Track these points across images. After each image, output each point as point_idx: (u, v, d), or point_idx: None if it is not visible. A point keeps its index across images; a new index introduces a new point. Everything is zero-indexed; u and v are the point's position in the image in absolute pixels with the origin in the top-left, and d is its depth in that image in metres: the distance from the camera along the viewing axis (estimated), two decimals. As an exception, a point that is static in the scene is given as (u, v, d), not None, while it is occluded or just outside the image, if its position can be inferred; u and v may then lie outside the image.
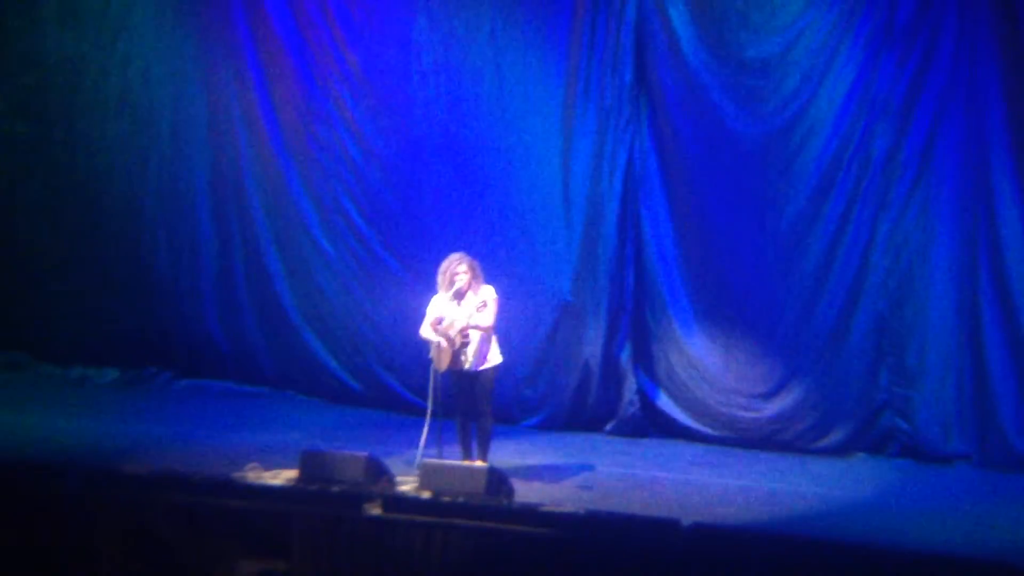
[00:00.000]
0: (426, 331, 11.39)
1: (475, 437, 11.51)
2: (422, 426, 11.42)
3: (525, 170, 13.72)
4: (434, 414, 11.48)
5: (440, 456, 11.34)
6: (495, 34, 13.73)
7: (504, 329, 11.62)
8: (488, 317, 11.28)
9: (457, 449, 11.54)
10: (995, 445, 12.47)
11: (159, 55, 14.83)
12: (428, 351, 11.42)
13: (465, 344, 11.32)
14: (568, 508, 9.78)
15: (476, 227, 13.66)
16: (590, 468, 12.29)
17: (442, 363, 11.33)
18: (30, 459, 10.62)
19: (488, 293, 11.35)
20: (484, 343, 11.34)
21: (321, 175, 14.33)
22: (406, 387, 13.60)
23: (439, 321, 11.33)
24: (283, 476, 10.84)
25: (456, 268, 11.35)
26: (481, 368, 11.36)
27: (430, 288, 11.66)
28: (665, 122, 13.33)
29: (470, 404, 11.41)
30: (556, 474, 12.02)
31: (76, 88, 15.04)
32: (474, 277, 11.37)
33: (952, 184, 12.59)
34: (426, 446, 11.44)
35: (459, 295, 11.34)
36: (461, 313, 11.31)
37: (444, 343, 11.27)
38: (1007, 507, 11.51)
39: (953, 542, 10.34)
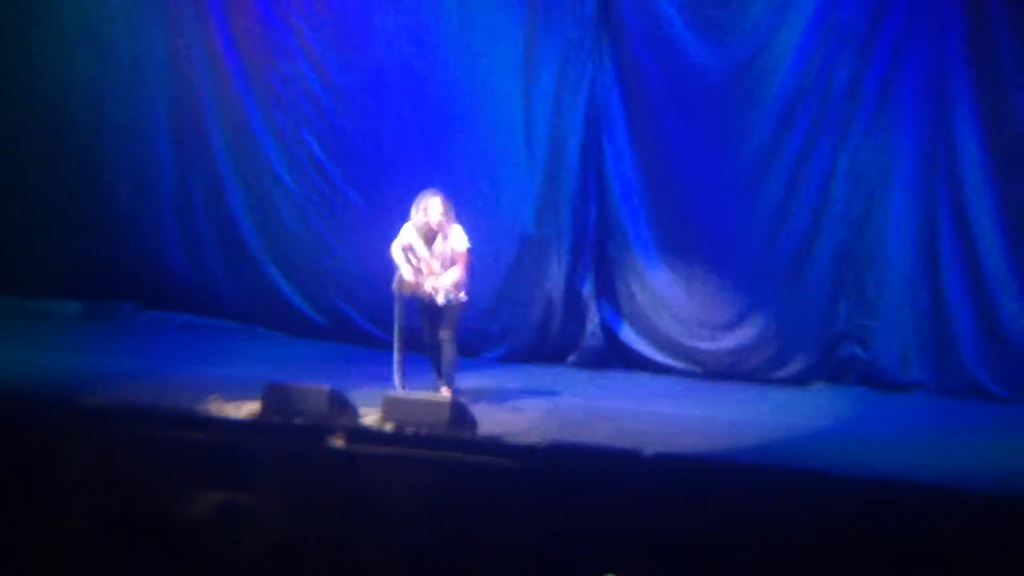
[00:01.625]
0: (397, 253, 11.46)
1: (440, 366, 11.59)
2: (386, 359, 11.46)
3: (487, 103, 13.68)
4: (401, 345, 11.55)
5: (403, 387, 11.38)
6: (457, -36, 13.67)
7: (468, 262, 11.65)
8: (462, 270, 11.40)
9: (422, 380, 11.59)
10: (952, 372, 12.59)
11: (116, -16, 14.71)
12: (392, 280, 11.45)
13: (436, 290, 11.40)
14: (531, 439, 9.84)
15: (438, 160, 13.62)
16: (553, 399, 12.34)
17: (409, 288, 11.40)
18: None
19: (460, 241, 11.43)
20: (455, 285, 11.42)
21: (282, 108, 14.24)
22: (369, 320, 13.60)
23: (409, 248, 11.38)
24: (246, 409, 10.85)
25: (430, 202, 11.44)
26: (449, 302, 11.42)
27: (392, 222, 11.68)
28: (627, 54, 13.29)
29: (437, 330, 11.48)
30: (519, 406, 12.07)
31: (32, 20, 14.86)
32: (446, 218, 11.43)
33: (912, 114, 12.62)
34: (388, 378, 11.50)
35: (429, 230, 11.39)
36: (430, 251, 11.36)
37: (409, 274, 11.33)
38: (964, 433, 11.65)
39: (911, 468, 10.39)
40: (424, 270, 11.36)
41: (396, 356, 11.51)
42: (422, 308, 11.56)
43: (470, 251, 11.53)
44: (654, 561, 7.70)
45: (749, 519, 7.74)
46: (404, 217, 11.60)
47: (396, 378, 11.58)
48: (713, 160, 13.10)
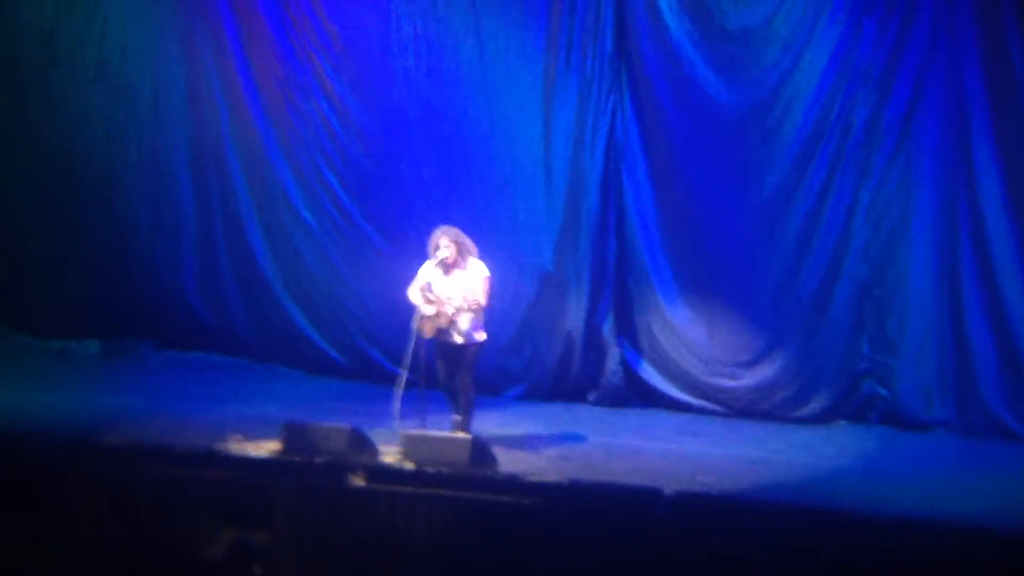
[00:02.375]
0: (414, 294, 11.45)
1: (458, 409, 11.55)
2: (406, 398, 11.45)
3: (506, 140, 13.70)
4: (415, 383, 11.52)
5: (423, 426, 11.36)
6: (475, 3, 13.68)
7: (490, 299, 11.64)
8: (481, 298, 11.32)
9: (440, 420, 11.57)
10: (975, 412, 12.52)
11: (137, 24, 14.72)
12: (411, 318, 11.45)
13: (454, 322, 11.37)
14: (551, 477, 9.82)
15: (457, 198, 13.64)
16: (573, 438, 12.32)
17: (426, 330, 11.38)
18: (9, 431, 10.59)
19: (479, 271, 11.43)
20: (473, 320, 11.39)
21: (302, 146, 14.28)
22: (388, 358, 13.56)
23: (428, 288, 11.38)
24: (266, 448, 10.85)
25: (438, 240, 11.41)
26: (468, 343, 11.40)
27: (411, 259, 11.68)
28: (647, 92, 13.30)
29: (454, 375, 11.45)
30: (539, 444, 12.05)
31: (53, 59, 14.93)
32: (461, 251, 11.44)
33: (932, 152, 12.61)
34: (409, 416, 11.48)
35: (445, 267, 11.40)
36: (449, 286, 11.35)
37: (428, 311, 11.32)
38: (986, 473, 11.59)
39: (933, 508, 10.36)
40: (444, 307, 11.33)
41: (398, 392, 11.49)
42: (440, 349, 11.53)
43: (489, 285, 11.46)
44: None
45: (771, 558, 7.72)
46: (423, 254, 11.60)
47: (396, 412, 11.53)
48: (733, 197, 13.09)
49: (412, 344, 11.43)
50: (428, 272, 11.48)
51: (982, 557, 7.62)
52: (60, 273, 14.85)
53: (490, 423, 12.18)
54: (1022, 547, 7.87)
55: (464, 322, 11.41)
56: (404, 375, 11.48)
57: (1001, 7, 12.32)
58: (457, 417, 11.61)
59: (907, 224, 12.72)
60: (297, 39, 14.22)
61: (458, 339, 11.42)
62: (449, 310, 11.32)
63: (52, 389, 13.24)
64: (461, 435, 11.17)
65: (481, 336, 11.52)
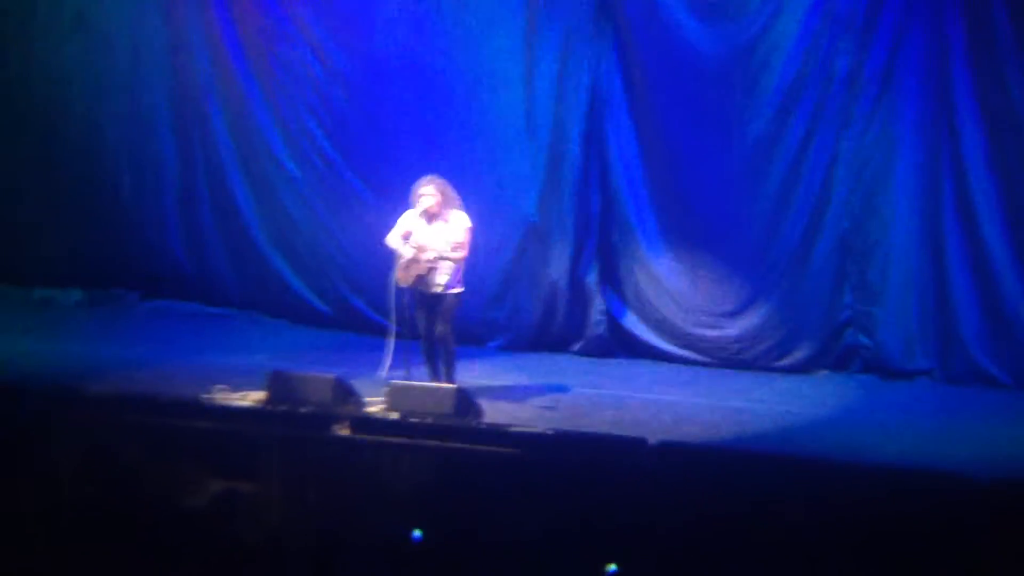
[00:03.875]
0: (394, 240, 11.40)
1: (440, 359, 11.54)
2: (392, 347, 11.47)
3: (489, 90, 13.66)
4: (400, 334, 11.52)
5: (408, 377, 11.37)
6: (458, -49, 13.65)
7: (470, 250, 11.62)
8: (461, 248, 11.29)
9: (424, 369, 11.57)
10: (957, 359, 12.59)
11: (114, -27, 14.69)
12: (392, 267, 11.43)
13: (433, 269, 11.33)
14: (536, 428, 9.83)
15: (441, 148, 13.61)
16: (557, 388, 12.34)
17: (406, 278, 11.35)
18: (-7, 380, 10.59)
19: (461, 222, 11.37)
20: (452, 271, 11.35)
21: (285, 96, 14.23)
22: (373, 308, 13.56)
23: (407, 236, 11.34)
24: (250, 397, 10.87)
25: (422, 189, 11.36)
26: (446, 294, 11.38)
27: (395, 209, 11.65)
28: (629, 41, 13.27)
29: (433, 325, 11.43)
30: (523, 394, 12.07)
31: (31, 11, 14.86)
32: (444, 201, 11.38)
33: (914, 101, 12.61)
34: (394, 366, 11.49)
35: (428, 216, 11.35)
36: (431, 235, 11.31)
37: (408, 257, 11.28)
38: (968, 421, 11.66)
39: (916, 456, 10.44)
40: (422, 257, 11.30)
41: (389, 345, 11.49)
42: (419, 300, 11.50)
43: (471, 237, 11.43)
44: (658, 549, 7.71)
45: (754, 507, 7.74)
46: (406, 203, 11.56)
47: (385, 365, 11.54)
48: (715, 147, 13.09)
49: (392, 294, 11.41)
50: (409, 220, 11.45)
51: (964, 504, 7.65)
52: (43, 223, 14.82)
53: (474, 373, 12.19)
54: (1004, 495, 7.90)
55: (443, 272, 11.37)
56: (392, 326, 11.46)
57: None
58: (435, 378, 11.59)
59: (889, 173, 12.73)
60: (279, -13, 14.16)
61: (436, 288, 11.38)
62: (428, 259, 11.29)
63: (35, 338, 13.23)
64: (446, 385, 11.17)
65: (459, 288, 11.47)
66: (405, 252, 11.35)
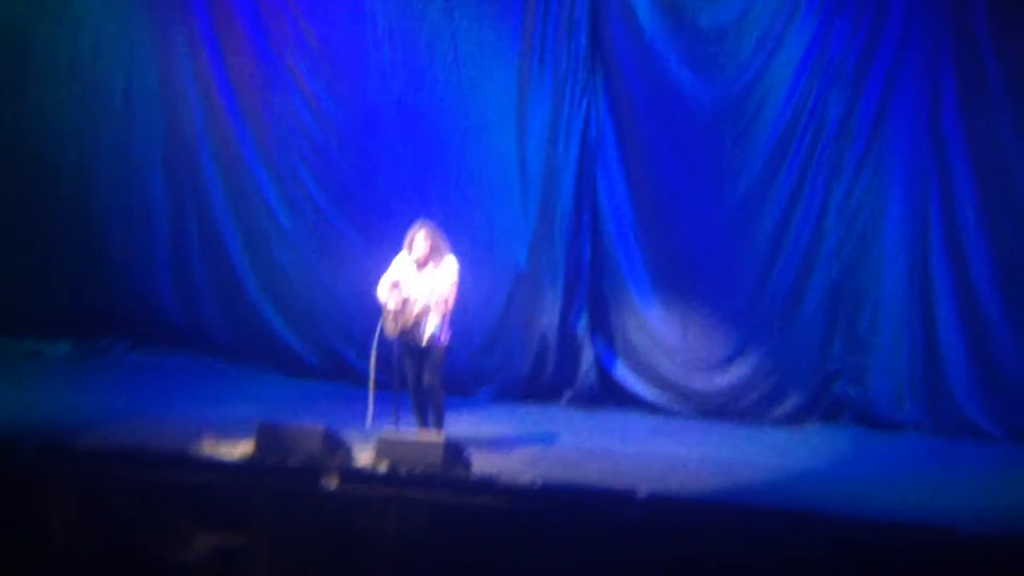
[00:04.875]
0: (383, 291, 11.40)
1: (429, 409, 11.52)
2: (379, 399, 11.43)
3: (481, 139, 13.70)
4: (388, 385, 11.50)
5: (396, 427, 11.35)
6: (450, 1, 13.67)
7: (460, 299, 11.61)
8: (448, 299, 11.28)
9: (413, 420, 11.55)
10: (946, 412, 12.57)
11: (110, 22, 14.67)
12: (381, 317, 11.43)
13: (420, 321, 11.32)
14: (525, 479, 9.80)
15: (432, 196, 13.62)
16: (546, 438, 12.32)
17: (394, 329, 11.34)
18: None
19: (450, 272, 11.35)
20: (439, 322, 11.34)
21: (276, 144, 14.25)
22: (363, 359, 13.45)
23: (396, 284, 11.34)
24: (239, 450, 10.83)
25: (415, 235, 11.38)
26: (433, 345, 11.36)
27: (387, 258, 11.66)
28: (621, 89, 13.32)
29: (421, 376, 11.42)
30: (512, 445, 12.05)
31: (25, 56, 14.88)
32: (435, 248, 11.38)
33: (904, 151, 12.65)
34: (383, 418, 11.47)
35: (418, 263, 11.36)
36: (419, 284, 11.31)
37: (393, 306, 11.28)
38: (958, 473, 11.64)
39: (905, 509, 10.41)
40: (410, 305, 11.28)
41: (371, 393, 11.48)
42: (406, 349, 11.49)
43: (456, 288, 11.42)
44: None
45: (743, 560, 7.72)
46: (398, 252, 11.58)
47: (369, 416, 11.52)
48: (707, 196, 13.12)
49: (376, 342, 11.40)
50: (400, 266, 11.46)
51: (954, 558, 7.63)
52: (31, 272, 14.78)
53: (463, 423, 12.17)
54: (993, 547, 7.89)
55: (429, 322, 11.36)
56: (372, 376, 11.44)
57: (972, 7, 12.36)
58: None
59: (879, 223, 12.75)
60: (272, 37, 14.19)
61: (423, 340, 11.38)
62: (415, 308, 11.29)
63: (23, 389, 13.18)
64: (435, 437, 11.15)
65: (446, 339, 11.45)
66: (392, 304, 11.34)
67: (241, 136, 14.33)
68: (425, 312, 11.30)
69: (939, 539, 7.97)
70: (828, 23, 12.66)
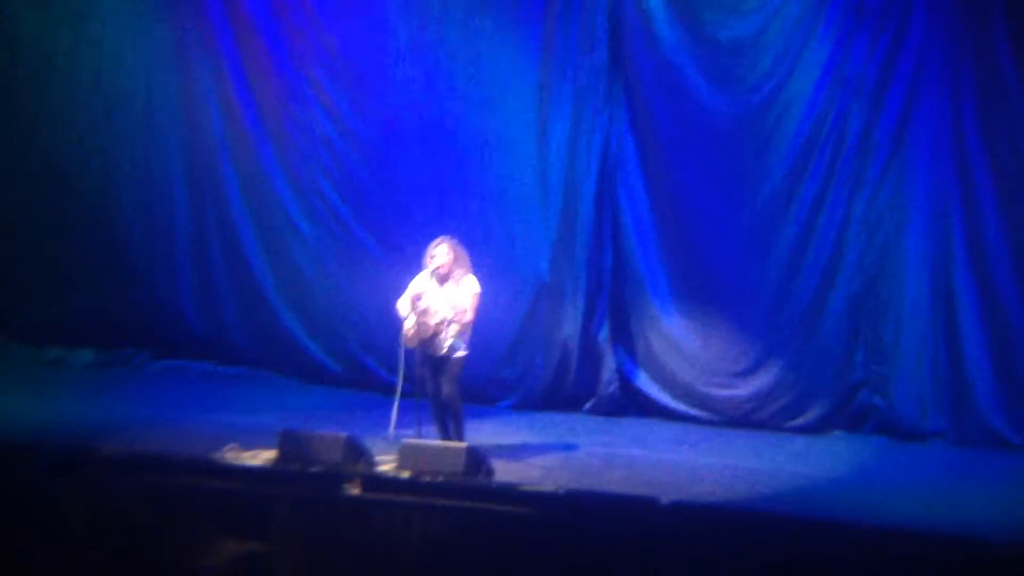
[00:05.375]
0: (403, 305, 11.42)
1: (449, 419, 11.54)
2: (402, 407, 11.44)
3: (502, 150, 13.72)
4: (411, 393, 11.51)
5: (419, 435, 11.36)
6: (470, 14, 13.71)
7: (482, 309, 11.60)
8: (469, 312, 11.29)
9: (434, 428, 11.56)
10: (969, 422, 12.54)
11: (131, 36, 14.74)
12: (401, 328, 11.44)
13: (439, 332, 11.34)
14: (547, 487, 9.81)
15: (453, 207, 13.65)
16: (569, 447, 12.31)
17: (413, 340, 11.36)
18: (3, 440, 10.55)
19: (470, 286, 11.38)
20: (458, 333, 11.36)
21: (298, 155, 14.29)
22: (384, 367, 13.57)
23: (417, 298, 11.36)
24: (262, 457, 10.84)
25: (435, 250, 11.40)
26: (451, 356, 11.37)
27: (408, 268, 11.67)
28: (641, 102, 13.34)
29: (440, 387, 11.44)
30: (535, 453, 12.04)
31: (47, 70, 14.94)
32: (456, 263, 11.40)
33: (925, 163, 12.65)
34: (405, 426, 11.48)
35: (439, 278, 11.37)
36: (440, 298, 11.33)
37: (410, 324, 11.30)
38: (982, 483, 11.59)
39: (929, 519, 10.38)
40: (428, 320, 11.30)
41: (395, 403, 11.49)
42: (424, 359, 11.50)
43: (478, 302, 11.41)
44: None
45: (766, 568, 7.71)
46: (419, 263, 11.59)
47: (392, 423, 11.54)
48: (728, 207, 13.12)
49: (401, 355, 11.42)
50: (421, 282, 11.48)
51: (978, 568, 7.61)
52: (55, 282, 14.84)
53: (485, 433, 12.18)
54: (1017, 557, 7.86)
55: (449, 335, 11.37)
56: (400, 385, 11.46)
57: (991, 20, 12.37)
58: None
59: (901, 235, 12.75)
60: (293, 48, 14.23)
61: (442, 351, 11.39)
62: (435, 321, 11.30)
63: (47, 398, 13.22)
64: (457, 444, 11.15)
65: (464, 350, 11.44)
66: (411, 318, 11.36)
67: (262, 148, 14.37)
68: (445, 325, 11.31)
69: (963, 549, 7.96)
70: (848, 38, 12.68)
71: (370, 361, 13.94)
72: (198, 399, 13.52)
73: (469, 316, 11.35)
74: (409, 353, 11.45)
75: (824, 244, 12.88)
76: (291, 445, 10.74)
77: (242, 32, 14.36)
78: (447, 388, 11.42)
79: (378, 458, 10.90)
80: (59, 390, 13.65)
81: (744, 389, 13.08)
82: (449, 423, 11.52)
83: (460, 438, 11.46)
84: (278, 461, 10.65)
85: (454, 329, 11.34)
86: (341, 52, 14.12)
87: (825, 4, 12.75)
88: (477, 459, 10.68)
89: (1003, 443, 12.39)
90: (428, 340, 11.37)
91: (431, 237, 11.68)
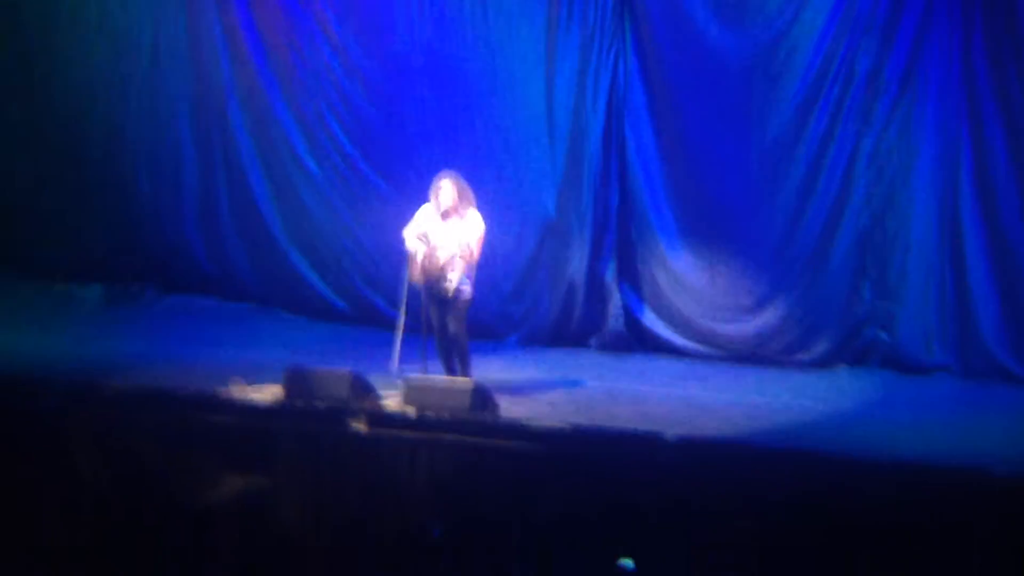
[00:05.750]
0: (409, 236, 11.40)
1: (455, 356, 11.55)
2: (408, 343, 11.46)
3: (509, 89, 13.67)
4: (416, 329, 11.52)
5: (425, 371, 11.38)
6: (478, -49, 13.66)
7: (489, 246, 11.61)
8: (472, 251, 11.28)
9: (440, 365, 11.58)
10: (975, 355, 12.54)
11: (137, -25, 14.74)
12: (405, 263, 11.44)
13: (445, 269, 11.32)
14: (553, 423, 9.82)
15: (460, 145, 13.62)
16: (574, 383, 12.33)
17: (417, 276, 11.36)
18: (10, 375, 10.59)
19: (476, 223, 11.34)
20: (464, 271, 11.35)
21: (305, 93, 14.26)
22: (390, 304, 13.49)
23: (423, 234, 11.35)
24: (267, 392, 10.86)
25: (440, 185, 11.36)
26: (458, 295, 11.37)
27: (414, 206, 11.65)
28: (649, 40, 13.27)
29: (445, 324, 11.44)
30: (541, 389, 12.07)
31: (53, 10, 14.92)
32: (460, 199, 11.36)
33: (935, 100, 12.58)
34: (410, 360, 11.50)
35: (443, 213, 11.35)
36: (445, 234, 11.31)
37: (421, 255, 11.29)
38: (987, 416, 11.61)
39: (934, 451, 10.40)
40: (436, 253, 11.29)
41: (397, 337, 11.51)
42: (430, 297, 11.50)
43: (483, 239, 11.40)
44: (676, 544, 7.70)
45: (771, 502, 7.73)
46: (425, 201, 11.58)
47: (395, 359, 11.55)
48: (735, 145, 13.08)
49: (405, 289, 11.43)
50: (425, 216, 11.45)
51: (984, 499, 7.63)
52: (64, 219, 14.89)
53: (491, 368, 12.19)
54: (1021, 489, 7.88)
55: (454, 272, 11.36)
56: (402, 320, 11.48)
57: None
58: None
59: (909, 171, 12.71)
60: (300, -14, 14.20)
61: (448, 289, 11.38)
62: (441, 257, 11.29)
63: (54, 333, 13.25)
64: (463, 380, 11.18)
65: (470, 288, 11.43)
66: (419, 250, 11.34)
67: (268, 84, 14.33)
68: (451, 262, 11.30)
69: (969, 480, 7.97)
70: (858, -27, 12.60)
71: (377, 298, 13.94)
72: (204, 334, 13.54)
73: (475, 254, 11.33)
74: (416, 290, 11.46)
75: (832, 181, 12.85)
76: (296, 381, 10.77)
77: (248, -31, 14.32)
78: (454, 327, 11.43)
79: (383, 394, 10.92)
80: (66, 326, 13.68)
81: (750, 325, 13.07)
82: (455, 362, 11.53)
83: (466, 375, 11.48)
84: (283, 397, 10.68)
85: (460, 265, 11.32)
86: (348, -10, 14.08)
87: (836, -60, 12.68)
88: (482, 395, 10.70)
89: (1009, 376, 12.38)
90: (434, 278, 11.35)
91: (436, 174, 11.65)
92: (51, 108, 14.98)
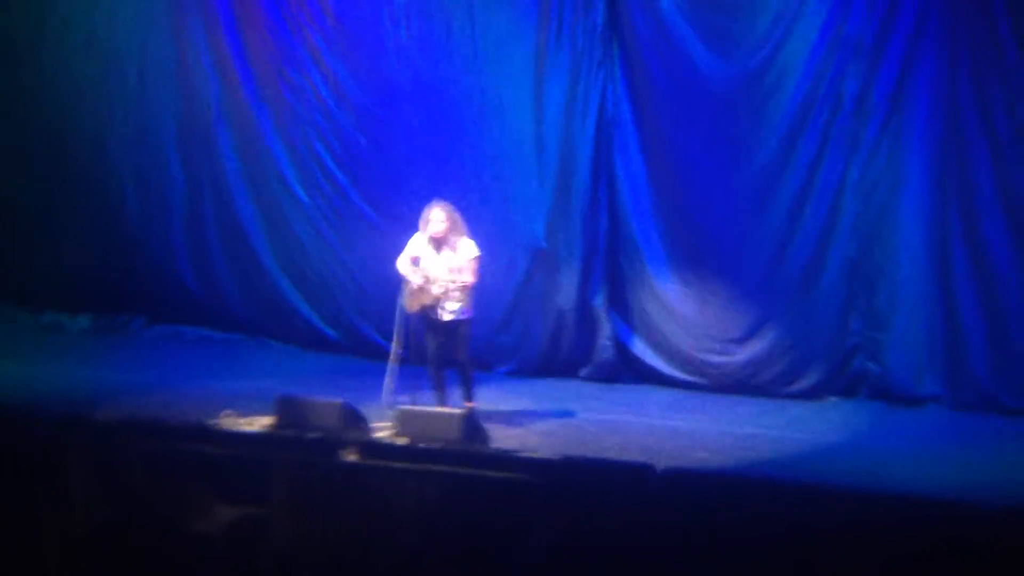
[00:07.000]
0: (404, 265, 11.42)
1: (459, 383, 11.55)
2: (399, 373, 11.46)
3: (498, 115, 13.69)
4: (406, 359, 11.51)
5: (414, 401, 11.37)
6: (467, -23, 13.68)
7: (479, 275, 11.61)
8: (469, 277, 11.30)
9: (431, 395, 11.57)
10: (965, 386, 12.55)
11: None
12: (400, 292, 11.43)
13: (441, 299, 11.34)
14: (543, 453, 9.81)
15: (449, 172, 13.63)
16: (564, 413, 12.33)
17: (413, 305, 11.37)
18: (0, 405, 10.57)
19: (469, 250, 11.38)
20: (462, 297, 11.36)
21: (294, 120, 14.27)
22: (380, 333, 13.57)
23: (415, 261, 11.36)
24: (258, 423, 10.86)
25: (431, 214, 11.38)
26: (459, 320, 11.38)
27: (404, 234, 11.67)
28: (637, 65, 13.30)
29: (446, 352, 11.45)
30: (530, 419, 12.07)
31: (41, 31, 14.92)
32: (452, 228, 11.39)
33: (922, 126, 12.61)
34: (399, 391, 11.49)
35: (435, 243, 11.36)
36: (438, 264, 11.32)
37: (416, 285, 11.31)
38: (977, 447, 11.62)
39: (924, 483, 10.39)
40: (431, 285, 11.32)
41: (390, 367, 11.51)
42: (428, 325, 11.52)
43: (478, 264, 11.44)
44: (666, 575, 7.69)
45: (761, 534, 7.72)
46: (415, 228, 11.60)
47: (385, 390, 11.56)
48: (724, 171, 13.10)
49: (399, 318, 11.44)
50: (418, 245, 11.47)
51: (974, 531, 7.62)
52: (50, 247, 14.86)
53: (482, 398, 12.16)
54: (1012, 521, 7.88)
55: (453, 300, 11.38)
56: (397, 351, 11.47)
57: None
58: (466, 403, 11.61)
59: (897, 198, 12.72)
60: (289, 11, 14.20)
61: (448, 316, 11.40)
62: (435, 289, 11.31)
63: (43, 363, 13.25)
64: (454, 410, 11.18)
65: (470, 313, 11.48)
66: (414, 279, 11.36)
67: (257, 111, 14.34)
68: (447, 291, 11.31)
69: (959, 513, 7.96)
70: (846, -2, 12.63)
71: (366, 327, 13.95)
72: (195, 364, 13.55)
73: (470, 279, 11.35)
74: (408, 319, 11.46)
75: (820, 208, 12.86)
76: (287, 411, 10.77)
77: (238, -6, 14.34)
78: (458, 352, 11.45)
79: (374, 424, 10.91)
80: (55, 355, 13.69)
81: (739, 355, 13.08)
82: (447, 389, 11.55)
83: (470, 399, 11.50)
84: (274, 427, 10.67)
85: (457, 294, 11.34)
86: (337, 15, 14.08)
87: (823, -37, 12.72)
88: (473, 425, 10.71)
89: (998, 407, 12.41)
90: (430, 306, 11.37)
91: (427, 201, 11.68)
92: (38, 132, 14.99)
